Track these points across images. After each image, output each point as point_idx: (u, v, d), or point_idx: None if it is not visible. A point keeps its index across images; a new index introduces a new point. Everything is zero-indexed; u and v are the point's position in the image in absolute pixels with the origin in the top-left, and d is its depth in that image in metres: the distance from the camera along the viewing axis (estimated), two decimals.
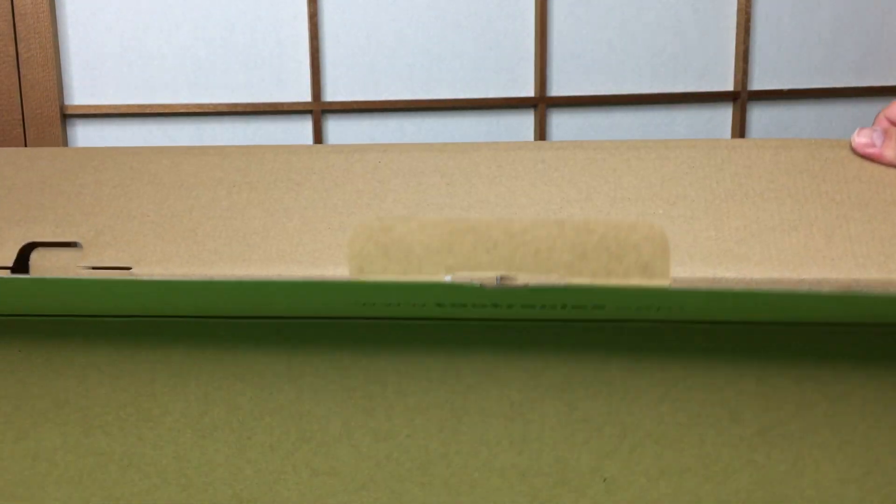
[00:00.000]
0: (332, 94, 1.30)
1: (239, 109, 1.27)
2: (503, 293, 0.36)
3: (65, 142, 1.26)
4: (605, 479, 0.43)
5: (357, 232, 0.37)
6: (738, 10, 1.34)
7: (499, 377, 0.43)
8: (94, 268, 0.53)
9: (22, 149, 0.66)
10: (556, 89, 1.34)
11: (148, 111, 1.26)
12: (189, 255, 0.53)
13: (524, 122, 1.35)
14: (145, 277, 0.47)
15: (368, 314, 0.52)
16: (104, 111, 1.26)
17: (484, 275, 0.36)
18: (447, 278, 0.36)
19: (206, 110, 1.27)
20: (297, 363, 0.50)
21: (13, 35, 1.23)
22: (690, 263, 0.47)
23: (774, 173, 0.61)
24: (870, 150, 0.59)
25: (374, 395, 0.45)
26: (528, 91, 1.34)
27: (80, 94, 1.26)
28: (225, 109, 1.27)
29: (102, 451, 0.50)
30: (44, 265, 0.54)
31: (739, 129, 1.37)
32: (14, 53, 1.23)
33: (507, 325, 0.50)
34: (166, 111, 1.27)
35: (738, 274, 0.51)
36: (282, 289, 0.43)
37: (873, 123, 0.64)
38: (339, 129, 1.31)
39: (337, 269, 0.57)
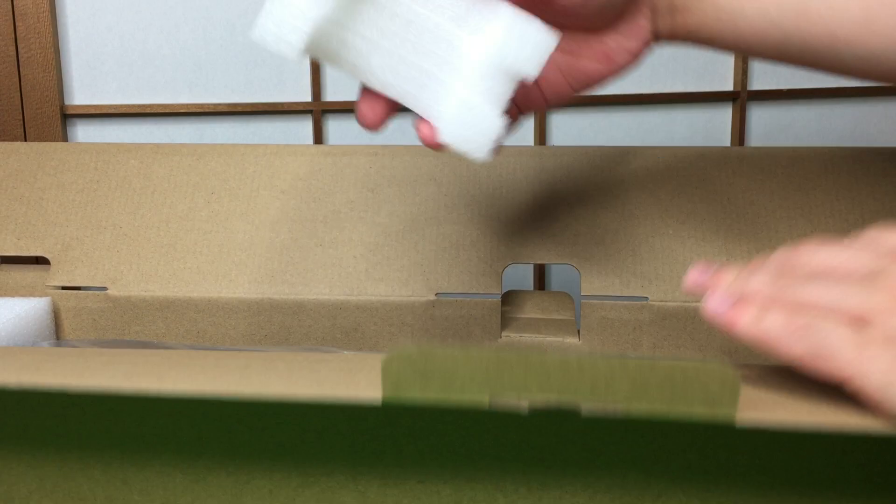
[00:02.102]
0: (332, 94, 1.26)
1: (239, 109, 1.23)
2: (554, 417, 0.31)
3: (65, 141, 1.21)
4: None
5: (393, 355, 0.32)
6: None
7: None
8: (64, 287, 0.47)
9: None
10: None
11: (148, 111, 1.22)
12: (169, 273, 0.47)
13: (524, 122, 1.31)
14: (135, 391, 0.40)
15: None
16: (104, 111, 1.22)
17: (534, 398, 0.31)
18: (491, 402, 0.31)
19: (206, 110, 1.23)
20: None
21: (13, 35, 1.19)
22: None
23: (787, 189, 0.56)
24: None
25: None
26: None
27: (80, 94, 1.22)
28: (225, 109, 1.23)
29: (83, 496, 0.44)
30: (8, 283, 0.48)
31: (739, 129, 1.32)
32: (14, 53, 1.19)
33: None
34: (166, 111, 1.23)
35: None
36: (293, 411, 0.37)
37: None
38: (339, 129, 1.27)
39: (332, 293, 0.51)
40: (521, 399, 0.31)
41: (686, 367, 0.29)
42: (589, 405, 0.30)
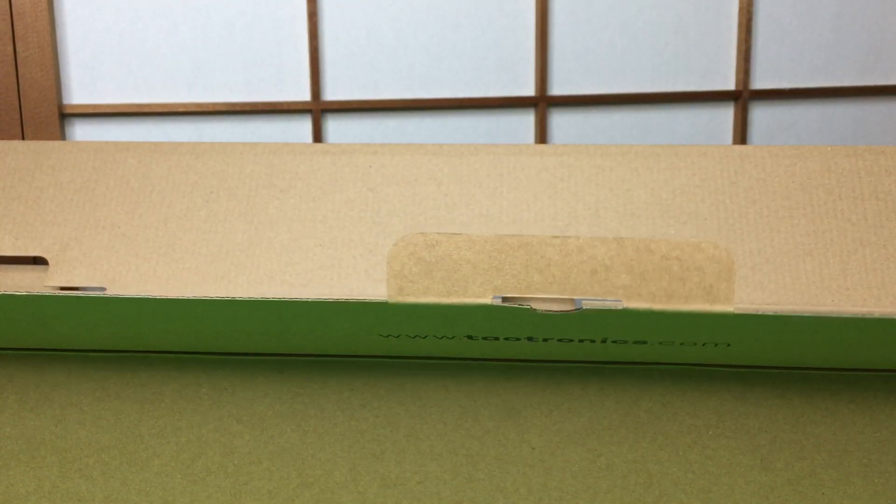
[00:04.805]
0: (331, 94, 1.26)
1: (238, 109, 1.23)
2: (553, 318, 0.31)
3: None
4: None
5: (398, 247, 0.32)
6: (740, 9, 1.29)
7: (519, 421, 0.37)
8: (63, 288, 0.47)
9: None
10: (557, 89, 1.30)
11: (146, 111, 1.22)
12: (167, 274, 0.47)
13: (525, 122, 1.30)
14: (125, 295, 0.41)
15: (383, 352, 0.46)
16: (102, 110, 1.21)
17: (535, 296, 0.31)
18: (495, 300, 0.31)
19: (205, 110, 1.23)
20: (301, 403, 0.44)
21: (11, 34, 1.18)
22: None
23: (790, 188, 0.56)
24: None
25: (384, 438, 0.40)
26: (529, 90, 1.29)
27: (78, 93, 1.22)
28: (224, 109, 1.23)
29: (81, 496, 0.44)
30: (5, 283, 0.48)
31: (741, 129, 1.32)
32: (12, 52, 1.19)
33: (529, 366, 0.44)
34: (165, 111, 1.22)
35: (750, 304, 0.46)
36: (295, 309, 0.37)
37: None
38: (338, 129, 1.27)
39: (331, 293, 0.51)
40: (522, 298, 0.31)
41: (682, 252, 0.28)
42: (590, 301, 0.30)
